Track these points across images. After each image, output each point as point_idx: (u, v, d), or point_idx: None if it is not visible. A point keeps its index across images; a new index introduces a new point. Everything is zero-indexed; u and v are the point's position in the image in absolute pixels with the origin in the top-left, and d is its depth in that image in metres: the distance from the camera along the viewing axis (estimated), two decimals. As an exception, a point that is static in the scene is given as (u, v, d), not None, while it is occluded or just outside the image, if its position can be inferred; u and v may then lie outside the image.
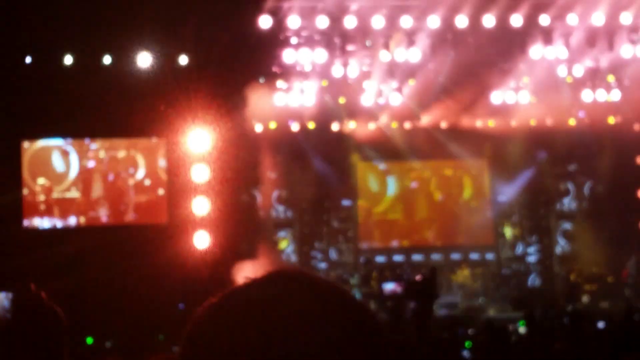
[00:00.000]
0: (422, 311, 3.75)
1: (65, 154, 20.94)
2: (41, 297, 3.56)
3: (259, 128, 21.59)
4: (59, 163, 20.90)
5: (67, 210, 20.87)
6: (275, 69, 20.11)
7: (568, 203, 23.62)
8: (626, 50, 19.66)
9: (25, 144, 20.75)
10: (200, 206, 19.68)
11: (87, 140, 20.89)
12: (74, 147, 20.94)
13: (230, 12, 18.24)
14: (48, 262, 18.05)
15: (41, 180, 20.79)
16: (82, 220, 20.88)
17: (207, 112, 19.88)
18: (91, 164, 20.98)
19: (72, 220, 20.84)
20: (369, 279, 21.38)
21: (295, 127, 22.07)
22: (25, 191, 20.67)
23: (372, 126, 22.36)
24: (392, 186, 23.60)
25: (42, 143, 20.86)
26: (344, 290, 1.49)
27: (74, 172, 20.93)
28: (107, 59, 19.39)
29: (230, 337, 1.39)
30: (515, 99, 21.71)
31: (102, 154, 21.02)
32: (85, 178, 20.96)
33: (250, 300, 1.44)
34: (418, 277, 4.60)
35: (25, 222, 20.61)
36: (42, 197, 20.72)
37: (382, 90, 21.10)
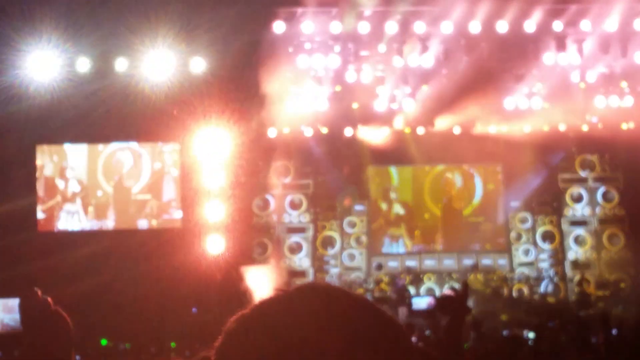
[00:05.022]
0: (454, 326, 3.78)
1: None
2: (47, 302, 3.61)
3: (272, 133, 21.63)
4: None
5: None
6: (289, 74, 20.16)
7: (581, 209, 23.58)
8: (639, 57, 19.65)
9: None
10: (214, 210, 19.74)
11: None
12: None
13: (244, 18, 18.32)
14: (62, 266, 18.13)
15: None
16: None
17: (221, 117, 19.95)
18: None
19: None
20: (381, 284, 21.45)
21: (308, 132, 22.11)
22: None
23: (385, 131, 22.38)
24: (405, 191, 23.61)
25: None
26: (372, 303, 1.53)
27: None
28: (121, 64, 19.46)
29: (262, 349, 1.44)
30: (528, 105, 21.72)
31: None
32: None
33: (282, 313, 1.48)
34: (449, 292, 4.63)
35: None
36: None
37: (395, 95, 21.13)
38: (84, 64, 19.40)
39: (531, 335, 16.31)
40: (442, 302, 4.22)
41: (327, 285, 1.55)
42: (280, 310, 1.49)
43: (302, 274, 22.35)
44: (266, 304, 1.52)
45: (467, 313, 4.07)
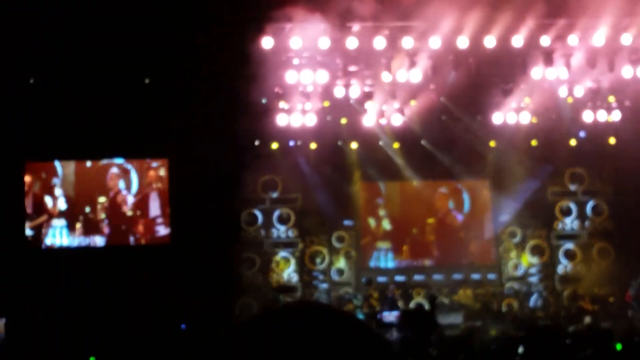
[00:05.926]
0: (418, 342, 3.68)
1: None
2: (37, 319, 3.59)
3: (260, 148, 21.63)
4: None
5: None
6: (277, 89, 20.15)
7: (570, 223, 23.62)
8: (627, 71, 19.70)
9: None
10: (202, 226, 19.71)
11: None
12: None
13: (232, 33, 18.32)
14: (50, 283, 18.06)
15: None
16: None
17: (209, 132, 19.94)
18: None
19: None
20: (371, 299, 21.39)
21: (297, 147, 22.11)
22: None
23: (373, 146, 22.39)
24: (393, 206, 23.60)
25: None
26: (360, 321, 1.56)
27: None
28: (109, 79, 19.45)
29: None
30: (516, 119, 21.75)
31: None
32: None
33: (270, 330, 1.49)
34: (414, 306, 4.56)
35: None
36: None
37: (384, 110, 21.14)
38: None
39: (520, 350, 16.26)
40: (407, 317, 4.18)
41: (315, 303, 1.55)
42: (269, 327, 1.49)
43: (290, 289, 22.30)
44: (255, 321, 1.52)
45: (433, 328, 4.01)
